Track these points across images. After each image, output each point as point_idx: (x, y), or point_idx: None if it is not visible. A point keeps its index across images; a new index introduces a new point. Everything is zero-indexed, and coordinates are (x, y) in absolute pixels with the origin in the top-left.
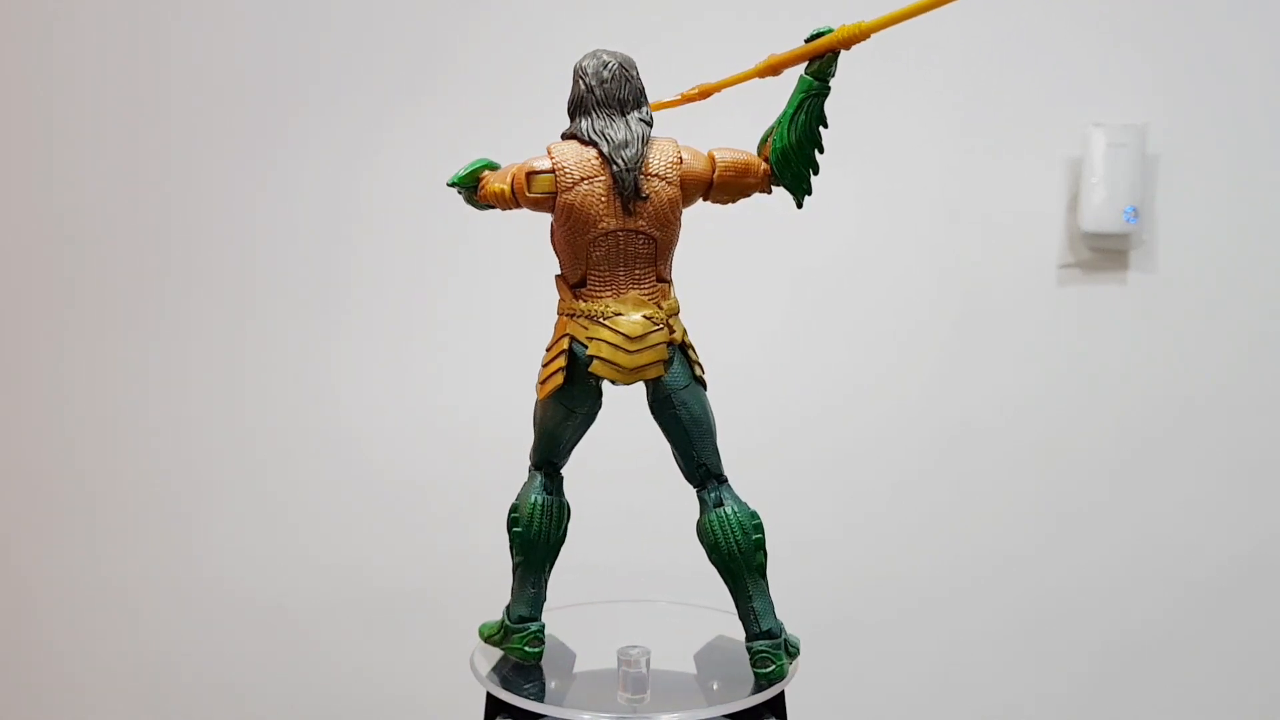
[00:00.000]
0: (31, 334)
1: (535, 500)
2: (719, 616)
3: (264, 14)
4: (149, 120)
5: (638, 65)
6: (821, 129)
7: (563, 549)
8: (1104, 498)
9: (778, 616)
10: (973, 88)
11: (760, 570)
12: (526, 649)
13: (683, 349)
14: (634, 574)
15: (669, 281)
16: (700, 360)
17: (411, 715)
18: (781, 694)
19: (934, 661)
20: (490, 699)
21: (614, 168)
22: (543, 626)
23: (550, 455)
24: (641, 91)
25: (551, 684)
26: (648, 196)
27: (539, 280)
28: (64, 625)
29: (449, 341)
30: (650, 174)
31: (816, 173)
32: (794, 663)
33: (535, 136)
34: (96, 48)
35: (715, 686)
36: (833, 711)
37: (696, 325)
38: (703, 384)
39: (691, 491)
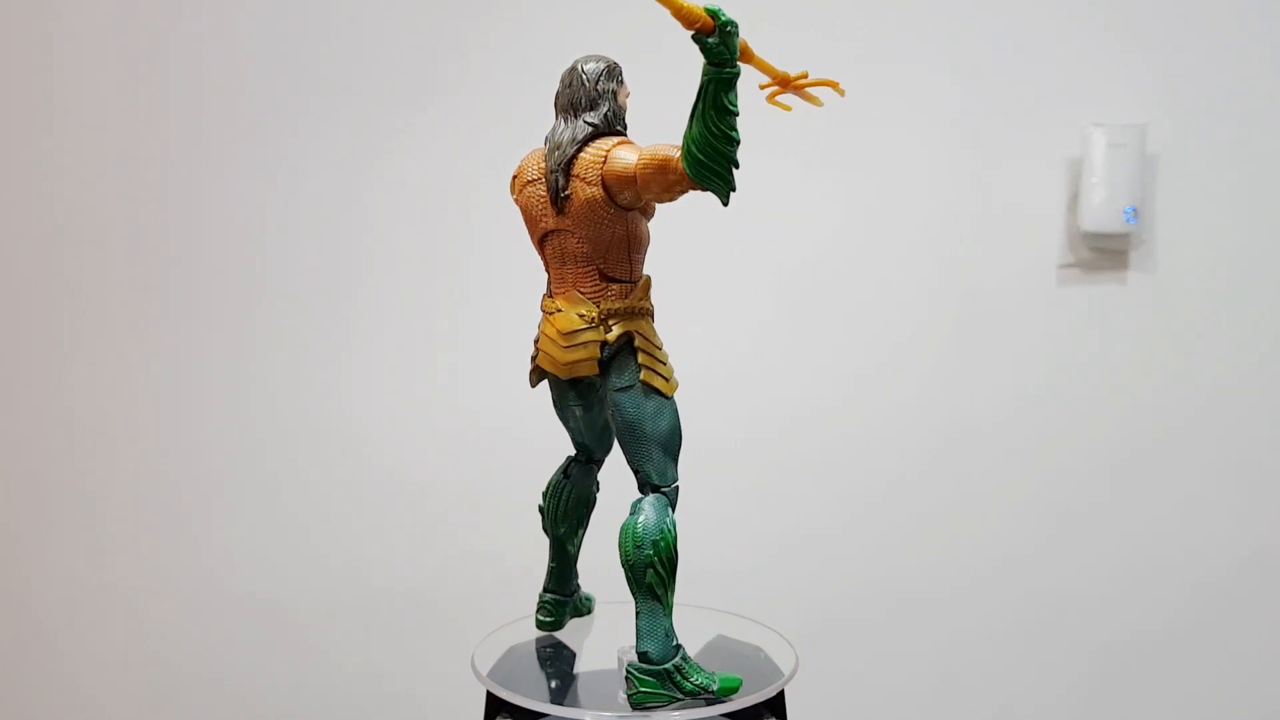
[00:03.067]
0: (37, 332)
1: (551, 480)
2: (719, 616)
3: (270, 17)
4: (156, 122)
5: (622, 68)
6: (729, 118)
7: None
8: (1104, 498)
9: (674, 645)
10: (973, 88)
11: (650, 590)
12: (537, 615)
13: (632, 351)
14: None
15: (623, 281)
16: (659, 366)
17: (412, 715)
18: (781, 693)
19: (933, 661)
20: (490, 698)
21: (547, 168)
22: (557, 600)
23: (573, 443)
24: (601, 94)
25: (551, 684)
26: (567, 196)
27: (544, 281)
28: (65, 623)
29: (453, 341)
30: (573, 174)
31: (736, 167)
32: (794, 671)
33: (541, 141)
34: (103, 51)
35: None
36: (832, 711)
37: (696, 324)
38: (655, 390)
39: (687, 493)
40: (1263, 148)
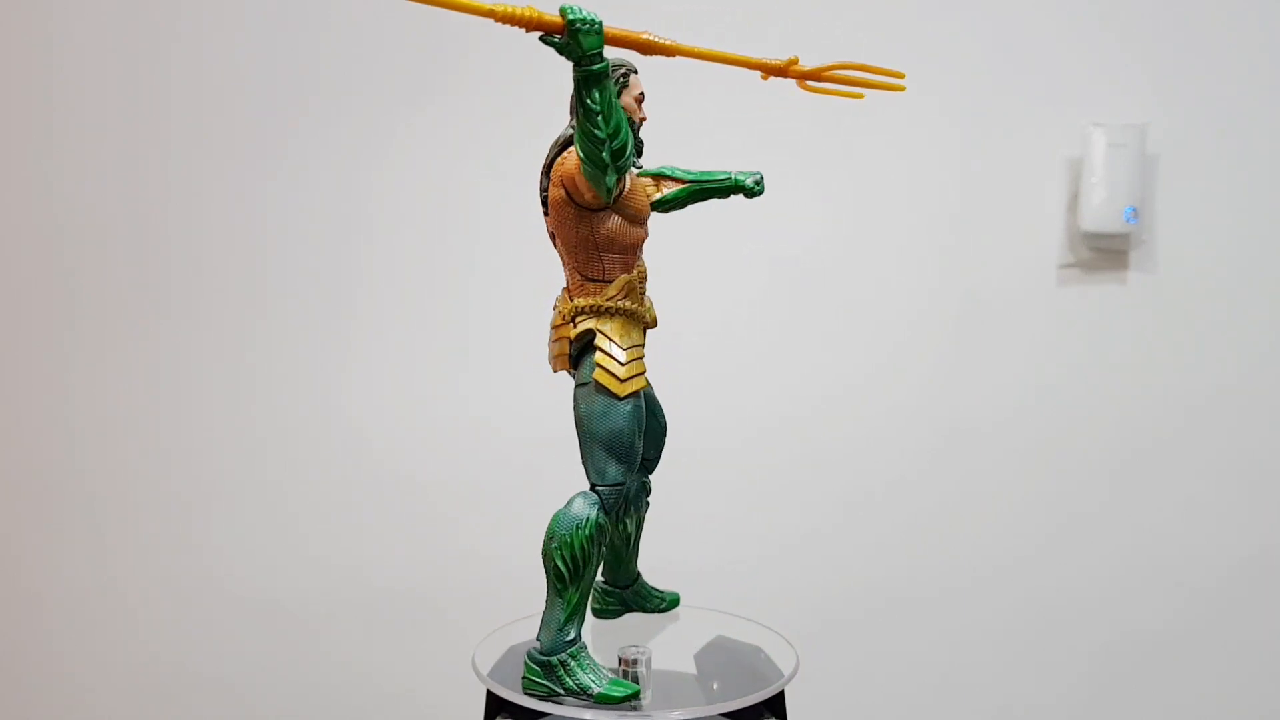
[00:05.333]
0: (38, 332)
1: None
2: (719, 616)
3: (271, 16)
4: (157, 122)
5: (628, 69)
6: (594, 117)
7: None
8: (1104, 498)
9: (567, 640)
10: (973, 88)
11: (551, 582)
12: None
13: (593, 349)
14: None
15: (597, 280)
16: (614, 367)
17: (412, 714)
18: (781, 693)
19: (933, 661)
20: (491, 698)
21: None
22: (605, 589)
23: None
24: None
25: None
26: (544, 198)
27: (549, 282)
28: (66, 623)
29: (453, 342)
30: (550, 177)
31: (607, 166)
32: (794, 671)
33: (546, 140)
34: (104, 52)
35: (715, 686)
36: (833, 711)
37: (697, 323)
38: (605, 390)
39: (688, 493)
40: (1263, 148)
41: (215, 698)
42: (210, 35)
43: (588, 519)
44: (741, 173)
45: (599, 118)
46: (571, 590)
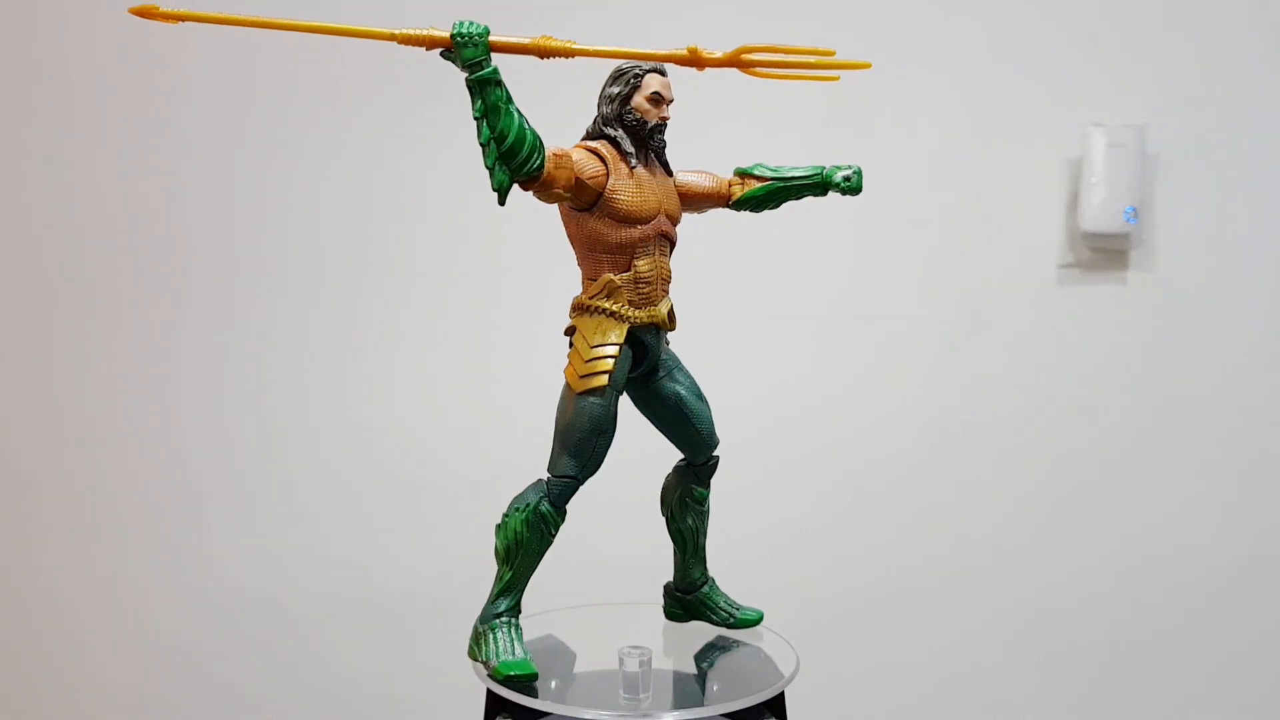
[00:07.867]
0: (57, 328)
1: None
2: None
3: (292, 12)
4: (179, 121)
5: (638, 70)
6: (478, 123)
7: (567, 549)
8: (1102, 495)
9: (495, 614)
10: (973, 88)
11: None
12: None
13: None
14: (634, 574)
15: (589, 278)
16: (579, 363)
17: (412, 714)
18: (781, 694)
19: (934, 662)
20: (491, 697)
21: None
22: (669, 589)
23: None
24: (602, 100)
25: (552, 683)
26: None
27: (558, 284)
28: (74, 618)
29: (467, 342)
30: None
31: (487, 169)
32: (794, 672)
33: (572, 141)
34: (127, 57)
35: (715, 687)
36: (833, 711)
37: (699, 316)
38: (567, 385)
39: None
40: (1262, 148)
41: (219, 695)
42: (237, 36)
43: (528, 504)
44: (834, 167)
45: (482, 122)
46: (505, 567)
